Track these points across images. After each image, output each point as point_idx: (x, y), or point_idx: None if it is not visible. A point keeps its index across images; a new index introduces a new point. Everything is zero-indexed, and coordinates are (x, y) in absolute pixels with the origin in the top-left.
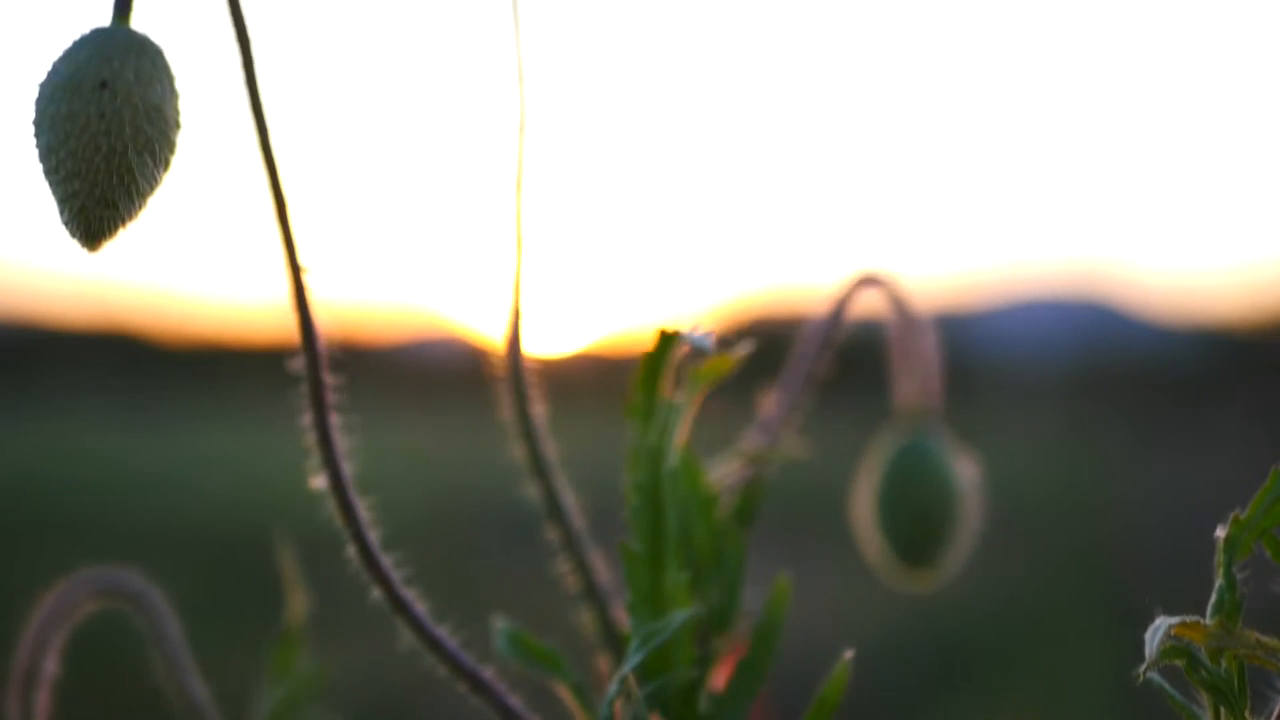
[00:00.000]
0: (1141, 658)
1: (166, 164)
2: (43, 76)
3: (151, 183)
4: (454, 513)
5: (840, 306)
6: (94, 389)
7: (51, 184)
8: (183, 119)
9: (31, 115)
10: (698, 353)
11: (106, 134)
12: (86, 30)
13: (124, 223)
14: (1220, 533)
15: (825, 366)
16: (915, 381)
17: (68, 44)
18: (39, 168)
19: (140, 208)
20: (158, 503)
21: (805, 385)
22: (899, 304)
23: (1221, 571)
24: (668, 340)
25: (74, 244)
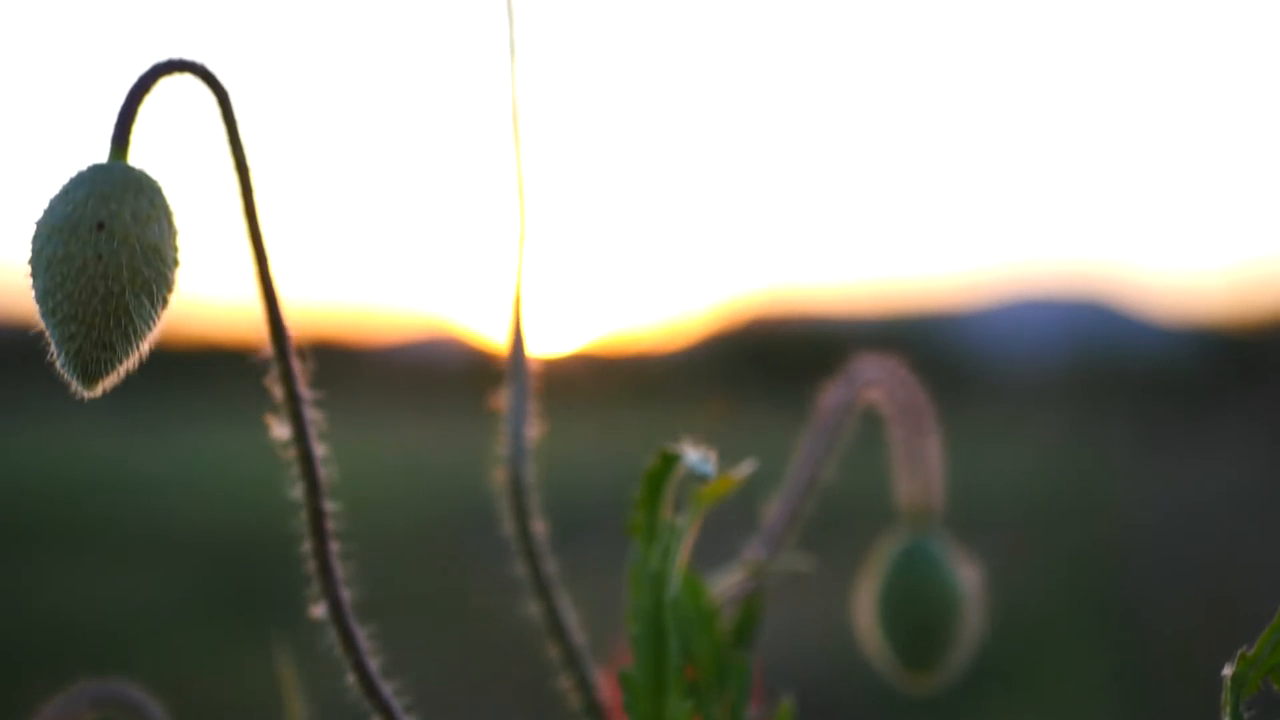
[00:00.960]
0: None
1: (165, 302)
2: (39, 214)
3: (149, 323)
4: (452, 514)
5: (842, 411)
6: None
7: (48, 326)
8: (181, 256)
9: (28, 254)
10: (697, 477)
11: (104, 277)
12: (84, 166)
13: (122, 363)
14: (1227, 671)
15: (828, 472)
16: (918, 483)
17: (64, 180)
18: (36, 307)
19: (138, 347)
20: (158, 504)
21: (807, 492)
22: (902, 407)
23: (1228, 710)
24: (668, 461)
25: (73, 384)
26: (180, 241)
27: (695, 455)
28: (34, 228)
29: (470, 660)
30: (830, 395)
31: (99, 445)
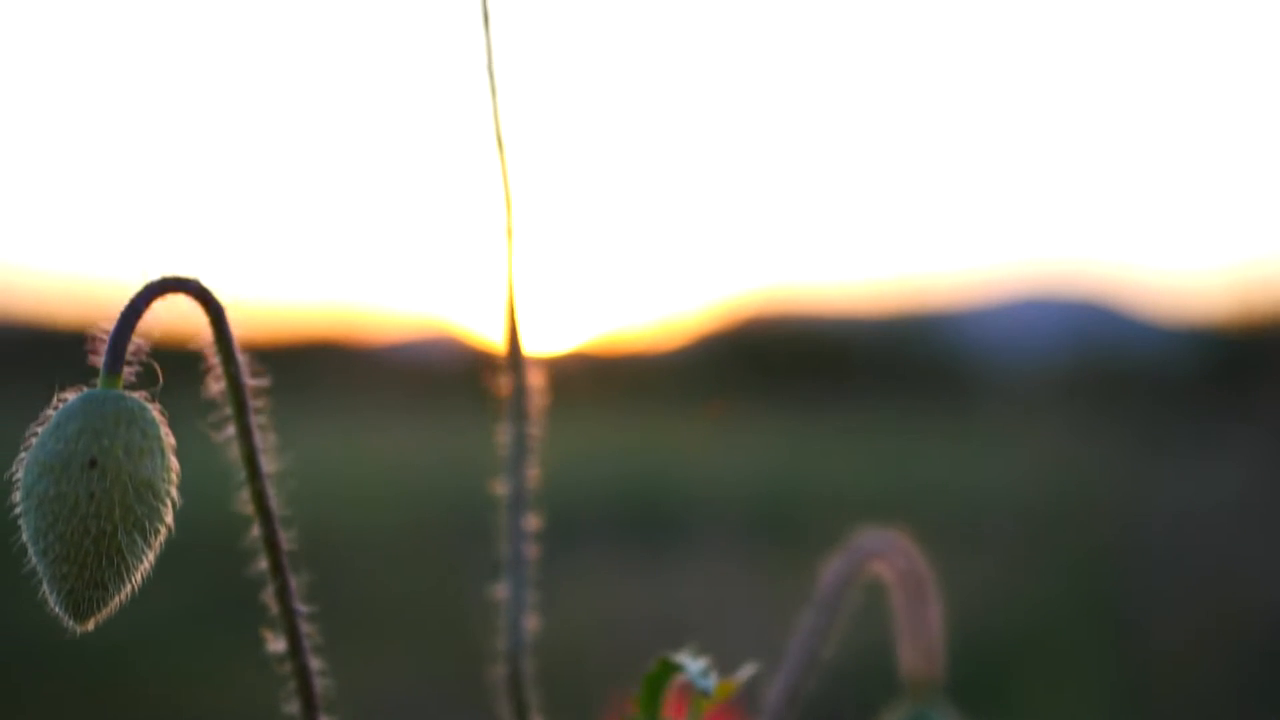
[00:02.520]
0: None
1: (157, 535)
2: (30, 448)
3: (141, 559)
4: (449, 514)
5: (842, 584)
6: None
7: (40, 564)
8: (174, 490)
9: (19, 490)
10: (697, 689)
11: (96, 516)
12: (75, 397)
13: (114, 598)
14: None
15: (829, 647)
16: (920, 652)
17: (56, 411)
18: (28, 545)
19: (130, 582)
20: None
21: (808, 669)
22: (905, 576)
23: None
24: (668, 668)
25: (64, 621)
26: (174, 473)
27: (696, 665)
28: (25, 463)
29: (467, 663)
30: (831, 568)
31: None
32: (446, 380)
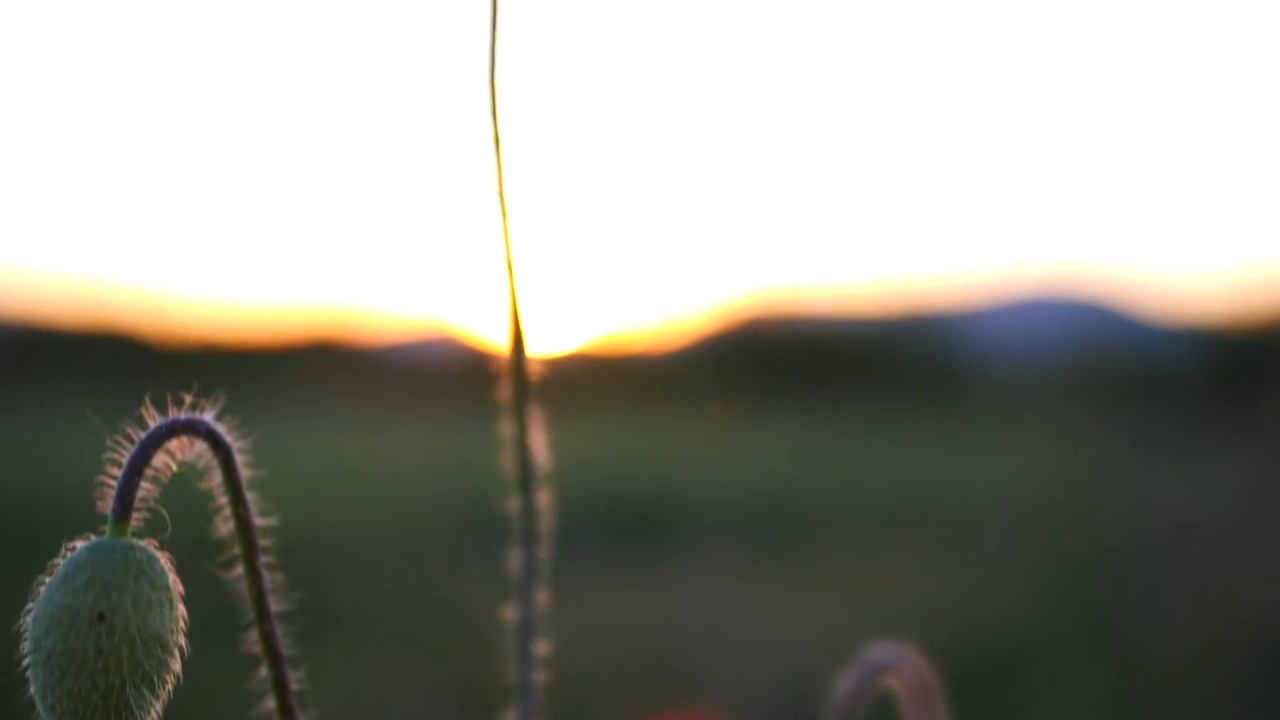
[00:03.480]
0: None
1: (165, 686)
2: (38, 599)
3: (148, 711)
4: (449, 515)
5: (852, 700)
6: (93, 390)
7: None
8: (182, 639)
9: (26, 643)
10: None
11: (104, 671)
12: (83, 545)
13: None
14: None
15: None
16: None
17: (64, 561)
18: (36, 700)
19: None
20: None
21: None
22: (914, 688)
23: None
24: None
25: None
26: (181, 623)
27: None
28: (33, 615)
29: (466, 663)
30: (841, 684)
31: (98, 447)
32: (446, 381)
